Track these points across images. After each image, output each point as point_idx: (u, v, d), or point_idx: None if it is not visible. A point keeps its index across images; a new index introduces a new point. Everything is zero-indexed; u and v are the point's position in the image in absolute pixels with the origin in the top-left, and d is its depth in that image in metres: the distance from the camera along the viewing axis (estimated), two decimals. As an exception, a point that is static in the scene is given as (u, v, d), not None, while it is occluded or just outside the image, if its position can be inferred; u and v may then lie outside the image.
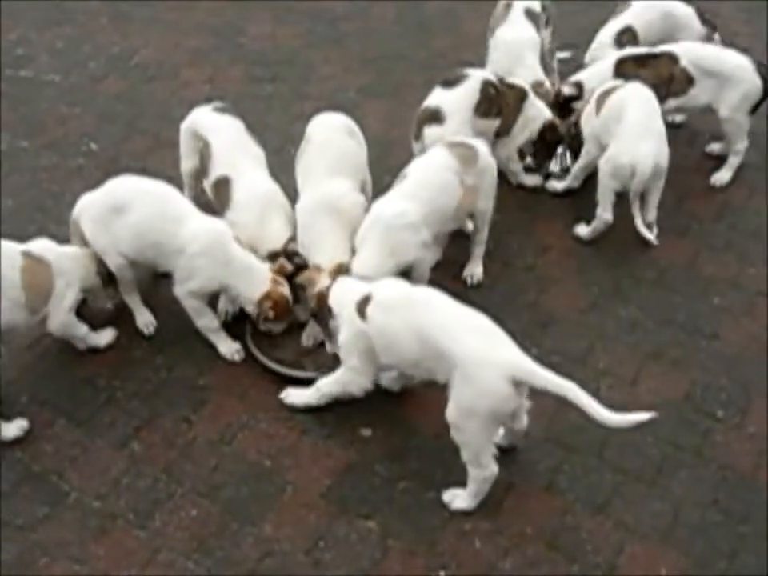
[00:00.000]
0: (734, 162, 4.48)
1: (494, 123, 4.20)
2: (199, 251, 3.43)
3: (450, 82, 4.12)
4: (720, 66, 4.30)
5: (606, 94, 4.12)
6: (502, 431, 3.09)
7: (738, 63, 4.30)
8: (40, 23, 6.06)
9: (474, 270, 3.94)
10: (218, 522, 3.03)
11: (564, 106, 4.43)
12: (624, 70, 4.33)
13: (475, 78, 4.13)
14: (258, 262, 3.53)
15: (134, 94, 5.32)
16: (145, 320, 3.72)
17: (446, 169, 3.64)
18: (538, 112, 4.29)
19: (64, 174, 4.65)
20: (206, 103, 4.12)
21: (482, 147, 3.77)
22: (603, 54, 4.61)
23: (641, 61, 4.33)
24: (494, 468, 2.95)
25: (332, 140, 3.81)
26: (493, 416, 2.85)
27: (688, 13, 4.75)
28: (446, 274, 3.90)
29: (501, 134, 4.24)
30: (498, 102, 4.15)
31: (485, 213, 3.82)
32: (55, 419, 3.38)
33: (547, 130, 4.30)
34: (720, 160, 4.58)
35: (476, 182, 3.70)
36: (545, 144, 4.37)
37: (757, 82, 4.29)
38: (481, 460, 2.93)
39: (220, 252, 3.45)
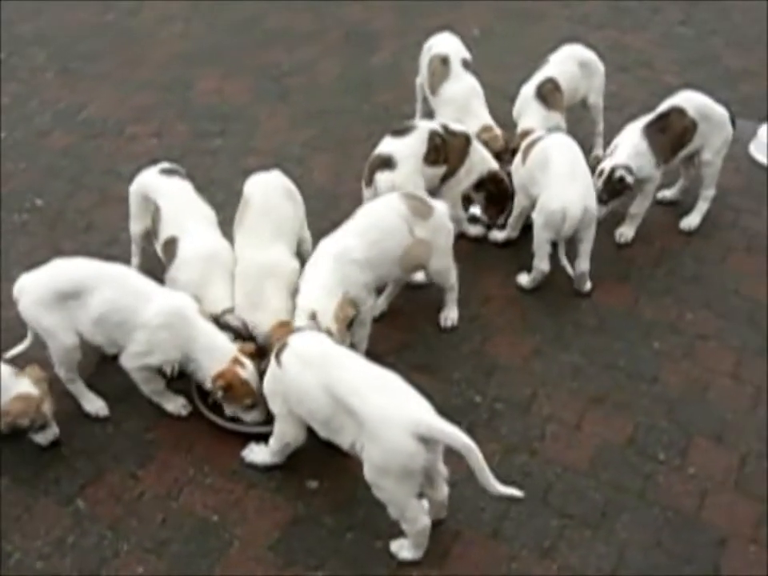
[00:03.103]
0: (703, 207, 4.61)
1: (441, 170, 4.29)
2: (162, 324, 3.36)
3: (399, 132, 4.22)
4: (712, 111, 4.44)
5: (531, 144, 4.22)
6: (427, 505, 3.04)
7: (721, 110, 4.47)
8: (-15, 79, 6.07)
9: (449, 314, 4.03)
10: (165, 579, 3.00)
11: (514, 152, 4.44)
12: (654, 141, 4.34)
13: (422, 128, 4.23)
14: (224, 339, 3.45)
15: (80, 149, 5.33)
16: (95, 406, 3.60)
17: (395, 214, 3.69)
18: (480, 158, 4.39)
19: (9, 229, 4.63)
20: (153, 164, 4.09)
21: (441, 208, 3.81)
22: (528, 107, 4.74)
23: (660, 127, 4.35)
24: (424, 520, 2.94)
25: (272, 204, 3.84)
26: (405, 472, 2.82)
27: (596, 59, 4.99)
28: (399, 323, 3.97)
29: (447, 176, 4.33)
30: (445, 150, 4.25)
31: (443, 272, 3.89)
32: (-2, 478, 3.33)
33: (488, 179, 4.40)
34: (670, 206, 4.74)
35: (428, 237, 3.73)
36: (491, 195, 4.45)
37: (731, 130, 4.48)
38: (407, 515, 2.92)
39: (184, 325, 3.39)
